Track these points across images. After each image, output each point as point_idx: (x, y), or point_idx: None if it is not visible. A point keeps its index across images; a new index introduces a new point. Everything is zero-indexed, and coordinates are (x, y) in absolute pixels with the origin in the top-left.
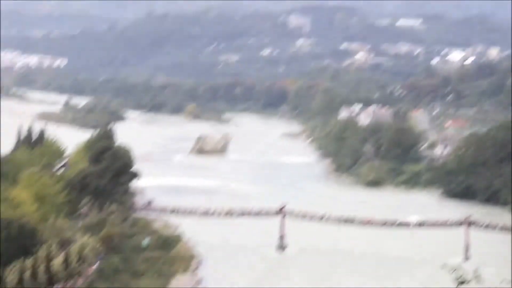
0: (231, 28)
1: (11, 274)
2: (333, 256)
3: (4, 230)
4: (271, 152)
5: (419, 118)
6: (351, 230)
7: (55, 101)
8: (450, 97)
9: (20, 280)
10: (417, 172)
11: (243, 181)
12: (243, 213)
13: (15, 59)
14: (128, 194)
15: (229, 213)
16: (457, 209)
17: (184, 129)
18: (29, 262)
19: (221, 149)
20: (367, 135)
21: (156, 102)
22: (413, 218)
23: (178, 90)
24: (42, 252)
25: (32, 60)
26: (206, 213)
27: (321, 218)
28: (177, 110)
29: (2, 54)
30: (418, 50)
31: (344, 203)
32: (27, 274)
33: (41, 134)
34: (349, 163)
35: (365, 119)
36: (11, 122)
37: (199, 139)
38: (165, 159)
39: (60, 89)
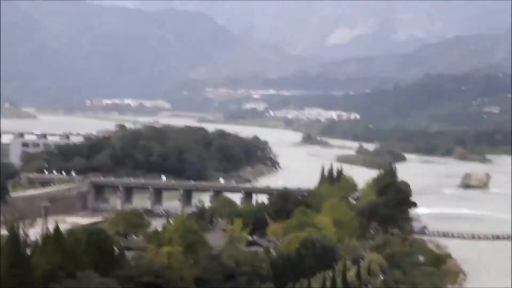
0: (493, 84)
1: (316, 283)
2: None
3: (310, 248)
4: None
5: None
6: None
7: (350, 147)
8: None
9: None
10: None
11: (503, 210)
12: (504, 237)
13: (320, 114)
14: (407, 220)
15: (492, 237)
16: None
17: (452, 168)
18: (329, 274)
19: (484, 184)
20: None
21: (430, 146)
22: None
23: (448, 136)
24: (339, 266)
25: (333, 114)
26: (471, 237)
27: None
28: (447, 152)
29: (309, 111)
30: None
31: None
32: (328, 283)
33: (339, 173)
34: None
35: None
36: (317, 163)
37: (465, 175)
38: (436, 192)
39: (354, 137)
